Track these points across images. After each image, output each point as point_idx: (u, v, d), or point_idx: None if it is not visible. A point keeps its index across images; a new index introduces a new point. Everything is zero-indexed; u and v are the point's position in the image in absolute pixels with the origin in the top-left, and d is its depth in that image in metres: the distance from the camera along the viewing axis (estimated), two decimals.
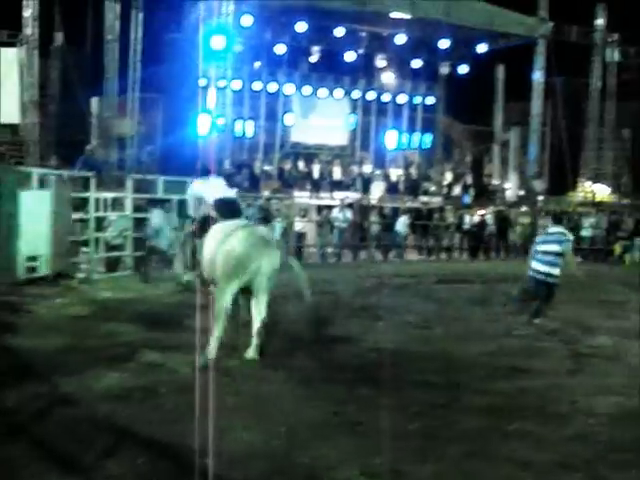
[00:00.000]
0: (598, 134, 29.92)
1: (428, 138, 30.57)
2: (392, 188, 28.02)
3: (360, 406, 6.03)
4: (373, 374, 6.92)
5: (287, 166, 27.69)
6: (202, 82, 24.38)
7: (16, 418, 5.47)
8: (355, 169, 28.63)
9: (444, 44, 27.15)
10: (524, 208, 26.13)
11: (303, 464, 4.81)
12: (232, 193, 8.54)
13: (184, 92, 24.94)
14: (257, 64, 27.41)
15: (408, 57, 28.85)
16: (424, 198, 27.46)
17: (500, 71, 31.26)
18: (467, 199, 28.15)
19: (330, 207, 21.76)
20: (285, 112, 28.07)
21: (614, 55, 29.60)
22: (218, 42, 22.47)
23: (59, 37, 27.82)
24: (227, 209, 7.94)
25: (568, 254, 10.13)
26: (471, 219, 23.15)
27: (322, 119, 29.11)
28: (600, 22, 28.76)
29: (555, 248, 10.00)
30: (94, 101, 26.08)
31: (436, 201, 27.20)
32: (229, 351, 7.27)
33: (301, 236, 19.79)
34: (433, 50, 28.02)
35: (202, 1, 23.46)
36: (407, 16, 25.04)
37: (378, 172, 29.05)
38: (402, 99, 29.83)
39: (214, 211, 7.94)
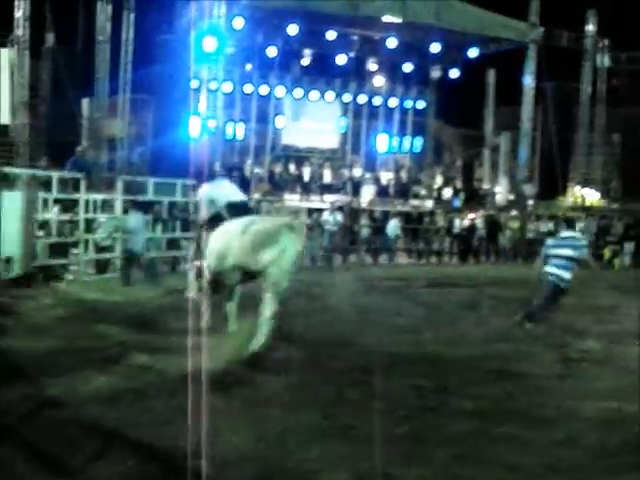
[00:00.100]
0: (588, 139, 29.98)
1: (419, 142, 30.59)
2: (382, 191, 28.07)
3: (350, 410, 6.03)
4: (362, 378, 6.92)
5: (278, 169, 27.74)
6: (193, 84, 24.36)
7: (4, 420, 5.45)
8: (346, 172, 28.64)
9: (435, 48, 27.17)
10: (514, 212, 26.24)
11: (293, 468, 4.82)
12: (243, 195, 8.80)
13: (175, 94, 24.91)
14: (248, 66, 27.36)
15: (399, 61, 28.87)
16: (414, 202, 27.57)
17: (491, 75, 31.43)
18: (457, 203, 28.20)
19: (320, 210, 21.73)
20: (276, 115, 28.08)
21: (604, 60, 29.71)
22: (210, 44, 22.48)
23: (50, 38, 27.79)
24: (240, 211, 8.16)
25: (587, 259, 10.39)
26: (461, 223, 23.22)
27: (313, 122, 29.12)
28: (591, 28, 28.86)
29: (569, 252, 10.01)
30: (85, 102, 26.05)
31: (426, 205, 27.31)
32: (219, 353, 7.25)
33: None
34: (424, 54, 28.05)
35: (194, 2, 23.46)
36: (398, 20, 25.05)
37: (368, 175, 29.10)
38: (393, 103, 29.85)
39: (226, 213, 8.13)
